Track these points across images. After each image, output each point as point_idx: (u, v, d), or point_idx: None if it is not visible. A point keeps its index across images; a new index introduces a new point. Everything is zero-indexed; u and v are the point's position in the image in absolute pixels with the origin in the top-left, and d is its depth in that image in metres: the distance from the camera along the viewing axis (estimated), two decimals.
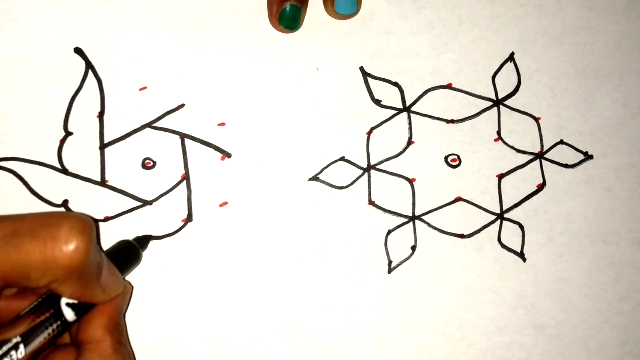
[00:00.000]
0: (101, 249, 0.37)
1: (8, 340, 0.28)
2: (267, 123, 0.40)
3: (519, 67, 0.43)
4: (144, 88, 0.39)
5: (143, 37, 0.40)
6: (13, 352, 0.28)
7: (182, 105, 0.40)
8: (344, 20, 0.41)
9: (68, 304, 0.31)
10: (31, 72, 0.39)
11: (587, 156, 0.43)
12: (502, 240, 0.41)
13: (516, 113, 0.43)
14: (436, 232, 0.41)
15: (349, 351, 0.39)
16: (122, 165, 0.39)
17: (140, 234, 0.38)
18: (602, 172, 0.43)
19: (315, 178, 0.40)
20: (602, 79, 0.43)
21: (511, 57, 0.43)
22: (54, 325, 0.30)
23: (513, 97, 0.43)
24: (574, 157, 0.43)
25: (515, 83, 0.43)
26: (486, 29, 0.43)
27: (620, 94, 0.44)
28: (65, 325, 0.31)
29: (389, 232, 0.41)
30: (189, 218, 0.39)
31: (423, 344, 0.40)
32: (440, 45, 0.42)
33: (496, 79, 0.42)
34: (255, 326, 0.39)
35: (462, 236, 0.41)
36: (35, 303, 0.30)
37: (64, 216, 0.29)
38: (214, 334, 0.38)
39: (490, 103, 0.42)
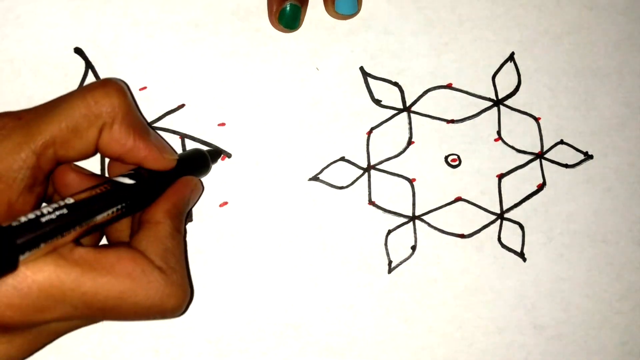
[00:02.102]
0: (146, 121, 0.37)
1: (60, 201, 0.28)
2: (267, 123, 0.40)
3: (519, 67, 0.43)
4: (144, 88, 0.39)
5: (143, 37, 0.40)
6: (63, 210, 0.28)
7: (182, 105, 0.40)
8: (344, 20, 0.41)
9: (126, 175, 0.32)
10: (31, 72, 0.39)
11: (587, 156, 0.43)
12: (502, 240, 0.41)
13: (516, 113, 0.43)
14: (436, 232, 0.41)
15: (349, 351, 0.39)
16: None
17: (214, 149, 0.39)
18: (602, 172, 0.43)
19: (315, 178, 0.40)
20: (602, 79, 0.43)
21: (511, 57, 0.43)
22: (117, 206, 0.30)
23: (513, 97, 0.43)
24: (574, 157, 0.43)
25: (516, 83, 0.43)
26: (486, 29, 0.43)
27: (620, 94, 0.43)
28: (129, 206, 0.31)
29: (389, 232, 0.41)
30: (189, 218, 0.39)
31: (423, 344, 0.40)
32: (440, 45, 0.42)
33: (496, 79, 0.42)
34: (255, 326, 0.39)
35: (462, 236, 0.41)
36: (97, 184, 0.30)
37: (92, 82, 0.31)
38: (214, 334, 0.38)
39: (491, 103, 0.42)
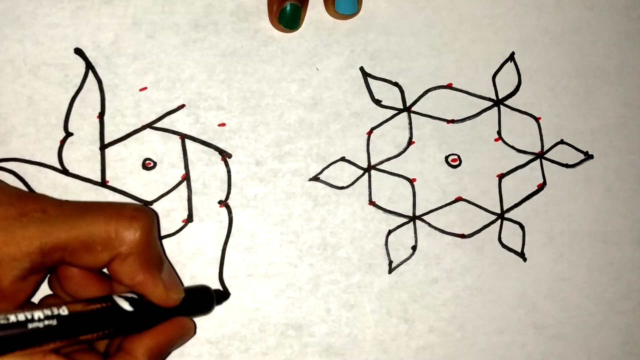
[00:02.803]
0: (164, 251, 0.37)
1: (54, 307, 0.28)
2: (267, 123, 0.40)
3: (519, 67, 0.43)
4: (144, 88, 0.39)
5: (143, 37, 0.40)
6: (52, 321, 0.28)
7: (182, 106, 0.40)
8: (344, 20, 0.41)
9: (127, 298, 0.31)
10: (31, 72, 0.39)
11: (588, 156, 0.43)
12: (503, 240, 0.41)
13: (516, 113, 0.43)
14: (437, 232, 0.41)
15: (349, 351, 0.39)
16: (123, 165, 0.39)
17: (221, 289, 0.38)
18: (602, 172, 0.43)
19: (315, 178, 0.40)
20: (602, 79, 0.43)
21: (511, 57, 0.43)
22: (107, 329, 0.30)
23: (513, 97, 0.43)
24: (575, 157, 0.43)
25: (516, 83, 0.43)
26: (486, 29, 0.43)
27: (620, 94, 0.44)
28: (117, 330, 0.30)
29: (390, 232, 0.41)
30: (189, 218, 0.39)
31: (423, 344, 0.40)
32: (440, 45, 0.42)
33: (496, 79, 0.42)
34: (255, 326, 0.39)
35: (462, 236, 0.41)
36: (96, 298, 0.30)
37: (130, 202, 0.32)
38: (214, 334, 0.38)
39: (491, 103, 0.42)
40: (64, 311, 0.28)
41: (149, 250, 0.31)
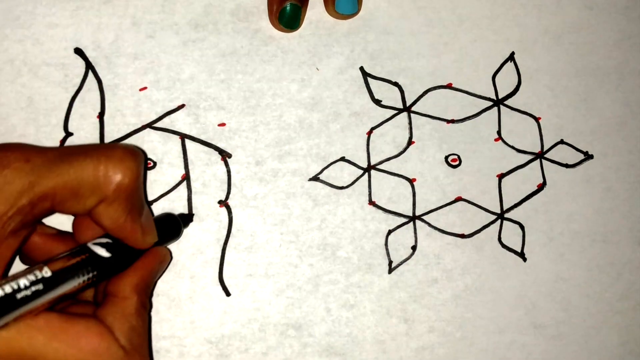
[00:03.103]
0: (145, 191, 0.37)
1: (36, 271, 0.28)
2: (267, 123, 0.40)
3: (519, 67, 0.43)
4: (144, 88, 0.39)
5: (143, 37, 0.40)
6: (39, 286, 0.28)
7: (182, 106, 0.40)
8: (344, 20, 0.41)
9: (102, 244, 0.31)
10: (31, 72, 0.39)
11: (588, 156, 0.43)
12: (503, 240, 0.41)
13: (516, 113, 0.43)
14: (437, 232, 0.41)
15: (349, 351, 0.39)
16: None
17: (186, 214, 0.39)
18: (602, 172, 0.43)
19: (315, 178, 0.40)
20: (602, 78, 0.43)
21: (511, 57, 0.43)
22: (89, 275, 0.30)
23: (513, 97, 0.43)
24: (574, 157, 0.43)
25: (516, 83, 0.43)
26: (486, 29, 0.43)
27: (620, 93, 0.44)
28: (99, 275, 0.31)
29: (390, 232, 0.41)
30: (190, 219, 0.39)
31: (423, 344, 0.40)
32: (440, 45, 0.42)
33: (496, 79, 0.43)
34: (255, 326, 0.39)
35: (462, 236, 0.41)
36: (72, 250, 0.30)
37: (118, 143, 0.31)
38: (214, 334, 0.38)
39: (491, 103, 0.42)
40: (46, 273, 0.28)
41: (135, 194, 0.30)
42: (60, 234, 0.33)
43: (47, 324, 0.28)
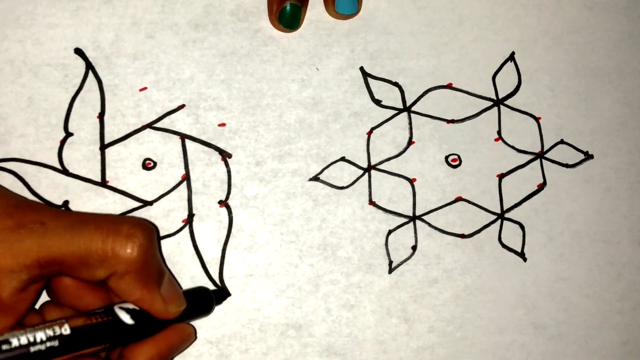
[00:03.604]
0: (165, 263, 0.37)
1: (56, 327, 0.28)
2: (267, 123, 0.40)
3: (519, 67, 0.43)
4: (144, 88, 0.39)
5: (143, 37, 0.40)
6: (54, 342, 0.28)
7: (182, 106, 0.40)
8: (344, 20, 0.41)
9: (128, 310, 0.31)
10: (31, 72, 0.39)
11: (588, 156, 0.43)
12: (503, 240, 0.41)
13: (517, 113, 0.43)
14: (437, 232, 0.41)
15: (349, 351, 0.39)
16: (123, 165, 0.39)
17: (220, 289, 0.38)
18: (602, 172, 0.43)
19: (315, 178, 0.40)
20: (602, 78, 0.44)
21: (511, 57, 0.43)
22: (107, 340, 0.30)
23: (513, 97, 0.43)
24: (575, 156, 0.43)
25: (516, 83, 0.43)
26: (486, 29, 0.43)
27: (620, 93, 0.44)
28: (118, 341, 0.30)
29: (390, 232, 0.41)
30: (190, 219, 0.39)
31: (424, 344, 0.40)
32: (440, 45, 0.42)
33: (496, 79, 0.43)
34: (255, 326, 0.39)
35: (462, 236, 0.41)
36: (96, 310, 0.30)
37: (128, 217, 0.31)
38: (214, 334, 0.38)
39: (491, 103, 0.42)
40: (65, 330, 0.28)
41: (146, 267, 0.30)
42: (91, 285, 0.33)
43: None
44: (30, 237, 0.28)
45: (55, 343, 0.28)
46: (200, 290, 0.36)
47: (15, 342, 0.27)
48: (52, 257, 0.29)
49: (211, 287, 0.38)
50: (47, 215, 0.30)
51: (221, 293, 0.38)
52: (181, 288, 0.36)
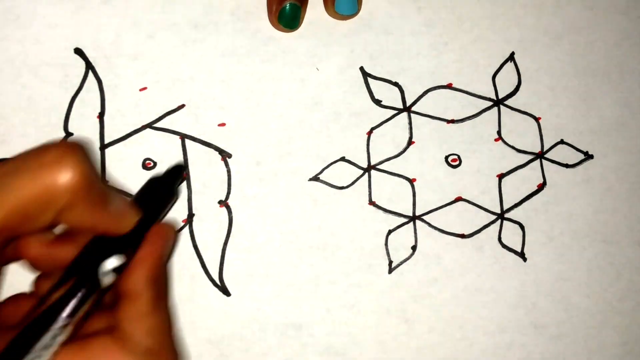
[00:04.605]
0: (103, 178, 0.36)
1: (55, 317, 0.27)
2: (267, 123, 0.40)
3: (519, 67, 0.43)
4: (144, 88, 0.39)
5: (143, 37, 0.40)
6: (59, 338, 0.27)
7: (182, 106, 0.40)
8: (344, 20, 0.41)
9: (99, 242, 0.29)
10: (31, 72, 0.39)
11: (588, 156, 0.43)
12: (503, 240, 0.41)
13: (516, 113, 0.43)
14: (437, 232, 0.41)
15: (349, 351, 0.39)
16: (123, 165, 0.39)
17: (170, 166, 0.35)
18: (602, 172, 0.43)
19: (315, 178, 0.40)
20: (602, 79, 0.43)
21: (511, 57, 0.43)
22: (88, 290, 0.28)
23: (513, 97, 0.43)
24: (575, 157, 0.43)
25: (516, 83, 0.43)
26: (486, 29, 0.43)
27: (620, 93, 0.44)
28: (100, 287, 0.28)
29: (390, 232, 0.41)
30: (189, 219, 0.39)
31: (424, 344, 0.40)
32: (440, 45, 0.42)
33: (496, 79, 0.43)
34: (255, 326, 0.39)
35: (462, 236, 0.41)
36: (65, 270, 0.28)
37: (48, 144, 0.26)
38: (214, 334, 0.38)
39: (491, 103, 0.42)
40: (59, 324, 0.27)
41: (92, 189, 0.26)
42: (59, 237, 0.31)
43: (66, 357, 0.27)
44: None
45: (60, 336, 0.27)
46: (152, 182, 0.33)
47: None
48: None
49: (207, 281, 0.38)
50: None
51: (175, 169, 0.34)
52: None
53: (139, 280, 0.29)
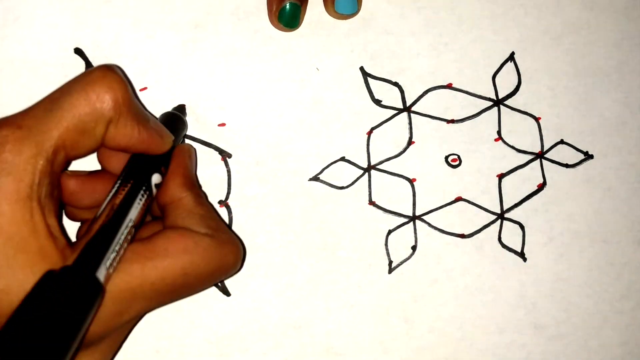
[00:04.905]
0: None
1: (122, 218, 0.29)
2: (267, 123, 0.40)
3: (519, 67, 0.43)
4: (144, 88, 0.39)
5: (143, 37, 0.40)
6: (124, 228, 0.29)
7: (182, 106, 0.40)
8: (344, 20, 0.41)
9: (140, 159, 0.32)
10: (31, 72, 0.39)
11: (588, 156, 0.43)
12: (503, 240, 0.41)
13: (516, 113, 0.43)
14: (437, 232, 0.41)
15: (349, 351, 0.39)
16: None
17: (176, 107, 0.39)
18: (602, 172, 0.43)
19: (315, 178, 0.40)
20: (602, 79, 0.43)
21: (511, 57, 0.43)
22: (143, 194, 0.31)
23: (513, 97, 0.43)
24: (575, 157, 0.43)
25: (516, 83, 0.43)
26: (486, 29, 0.43)
27: (620, 93, 0.43)
28: (150, 189, 0.32)
29: (390, 232, 0.41)
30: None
31: (423, 344, 0.40)
32: (440, 45, 0.42)
33: (496, 79, 0.42)
34: (255, 326, 0.39)
35: (462, 236, 0.41)
36: (116, 183, 0.31)
37: (90, 69, 0.30)
38: (214, 334, 0.38)
39: (491, 103, 0.42)
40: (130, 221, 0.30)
41: (133, 104, 0.30)
42: (91, 173, 0.33)
43: (135, 252, 0.29)
44: (22, 145, 0.27)
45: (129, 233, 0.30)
46: (167, 115, 0.37)
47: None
48: (53, 146, 0.28)
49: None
50: (18, 118, 0.28)
51: (179, 108, 0.39)
52: None
53: (179, 186, 0.33)
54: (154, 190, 0.32)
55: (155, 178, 0.32)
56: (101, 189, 0.32)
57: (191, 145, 0.37)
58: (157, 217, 0.35)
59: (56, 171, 0.29)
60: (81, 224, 0.35)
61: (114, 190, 0.31)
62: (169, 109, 0.39)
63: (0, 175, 0.27)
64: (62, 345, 0.24)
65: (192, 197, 0.33)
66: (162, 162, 0.33)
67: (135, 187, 0.31)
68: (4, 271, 0.26)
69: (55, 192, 0.29)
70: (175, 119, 0.37)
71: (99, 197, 0.32)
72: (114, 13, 0.40)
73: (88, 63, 0.39)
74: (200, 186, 0.37)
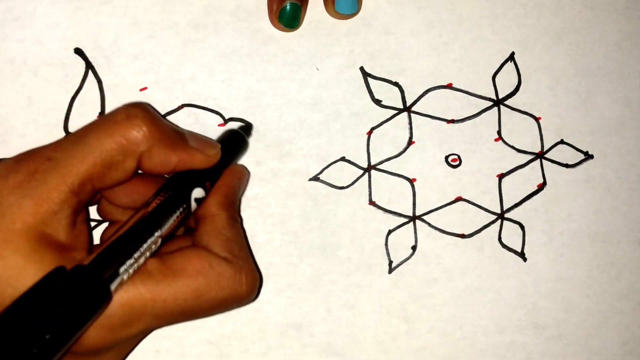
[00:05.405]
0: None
1: (154, 228, 0.29)
2: (267, 123, 0.40)
3: (519, 67, 0.43)
4: (144, 88, 0.39)
5: (143, 37, 0.40)
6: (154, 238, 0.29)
7: (182, 106, 0.40)
8: (344, 20, 0.41)
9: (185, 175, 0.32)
10: (31, 72, 0.39)
11: (588, 156, 0.43)
12: (503, 240, 0.41)
13: (517, 113, 0.43)
14: (437, 232, 0.41)
15: (349, 351, 0.39)
16: None
17: (242, 123, 0.40)
18: (602, 172, 0.43)
19: (315, 178, 0.40)
20: (602, 78, 0.43)
21: (511, 57, 0.43)
22: (179, 206, 0.31)
23: (513, 97, 0.43)
24: (575, 156, 0.43)
25: (516, 83, 0.43)
26: (486, 29, 0.43)
27: (620, 93, 0.44)
28: (188, 202, 0.32)
29: (390, 232, 0.41)
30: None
31: (423, 344, 0.40)
32: (440, 45, 0.42)
33: (496, 79, 0.42)
34: (255, 326, 0.39)
35: (462, 236, 0.41)
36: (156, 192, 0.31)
37: (116, 109, 0.30)
38: (214, 334, 0.38)
39: (491, 103, 0.42)
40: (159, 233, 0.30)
41: (164, 132, 0.31)
42: (138, 173, 0.33)
43: (153, 267, 0.29)
44: (48, 175, 0.28)
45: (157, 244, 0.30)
46: (228, 133, 0.37)
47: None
48: (79, 179, 0.29)
49: None
50: (49, 150, 0.29)
51: (246, 127, 0.39)
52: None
53: (214, 204, 0.34)
54: (193, 204, 0.32)
55: (197, 192, 0.32)
56: (143, 191, 0.33)
57: (246, 168, 0.38)
58: (191, 230, 0.35)
59: (82, 200, 0.29)
60: (108, 224, 0.35)
61: (151, 198, 0.31)
62: (168, 108, 0.39)
63: (24, 197, 0.27)
64: (53, 345, 0.24)
65: (225, 217, 0.33)
66: (207, 177, 0.33)
67: (172, 199, 0.31)
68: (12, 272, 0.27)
69: (79, 218, 0.30)
70: (237, 138, 0.37)
71: (138, 199, 0.33)
72: (114, 13, 0.40)
73: (88, 63, 0.39)
74: (239, 211, 0.37)
